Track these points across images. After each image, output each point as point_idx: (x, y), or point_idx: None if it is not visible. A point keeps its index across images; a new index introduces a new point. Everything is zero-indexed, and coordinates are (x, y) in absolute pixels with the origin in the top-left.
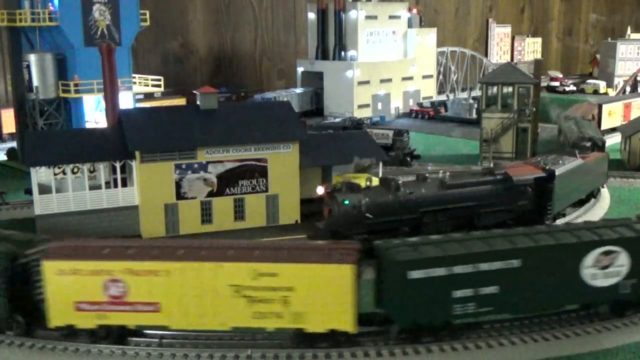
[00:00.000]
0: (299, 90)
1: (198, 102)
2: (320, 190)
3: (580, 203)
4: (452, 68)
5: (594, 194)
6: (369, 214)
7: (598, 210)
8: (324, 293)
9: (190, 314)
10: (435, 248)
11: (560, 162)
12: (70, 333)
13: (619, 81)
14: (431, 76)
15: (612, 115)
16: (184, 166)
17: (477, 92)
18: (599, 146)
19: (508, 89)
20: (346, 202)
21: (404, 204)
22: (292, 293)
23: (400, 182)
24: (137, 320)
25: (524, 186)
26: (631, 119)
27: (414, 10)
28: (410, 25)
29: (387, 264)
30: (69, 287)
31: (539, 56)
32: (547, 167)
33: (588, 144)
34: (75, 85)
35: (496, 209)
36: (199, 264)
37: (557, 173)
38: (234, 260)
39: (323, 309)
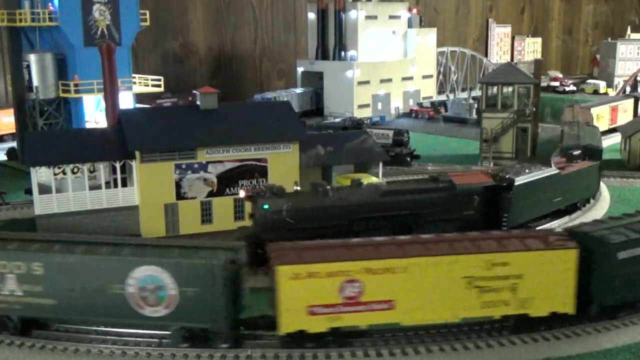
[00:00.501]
0: (299, 90)
1: (198, 102)
2: (242, 193)
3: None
4: (452, 68)
5: (579, 205)
6: (291, 219)
7: (598, 210)
8: (549, 278)
9: (424, 309)
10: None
11: (527, 171)
12: None
13: (619, 81)
14: (431, 76)
15: (601, 119)
16: (184, 166)
17: (477, 92)
18: (594, 155)
19: (508, 89)
20: (265, 206)
21: (331, 211)
22: (520, 280)
23: (328, 187)
24: (370, 320)
25: (469, 195)
26: (617, 122)
27: (414, 10)
28: (410, 25)
29: (598, 246)
30: (303, 291)
31: (539, 56)
32: (507, 176)
33: (577, 152)
34: (75, 85)
35: (437, 217)
36: (439, 258)
37: (516, 183)
38: (469, 253)
39: (546, 293)
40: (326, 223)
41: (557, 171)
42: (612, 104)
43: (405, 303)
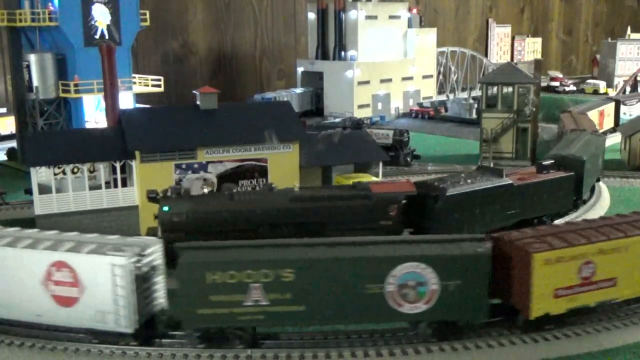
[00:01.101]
0: (299, 90)
1: (198, 102)
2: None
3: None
4: (452, 68)
5: (544, 219)
6: (192, 223)
7: (598, 210)
8: None
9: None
10: None
11: (470, 181)
12: None
13: (618, 81)
14: (431, 76)
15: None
16: (184, 166)
17: (477, 92)
18: (574, 166)
19: (508, 89)
20: (165, 208)
21: (235, 215)
22: None
23: (235, 190)
24: (597, 298)
25: (387, 204)
26: (604, 127)
27: (414, 10)
28: (410, 25)
29: None
30: (551, 276)
31: (539, 56)
32: (441, 186)
33: (548, 162)
34: (75, 85)
35: (350, 227)
36: None
37: (448, 193)
38: None
39: None
40: (229, 227)
41: (509, 182)
42: (600, 109)
43: (625, 279)
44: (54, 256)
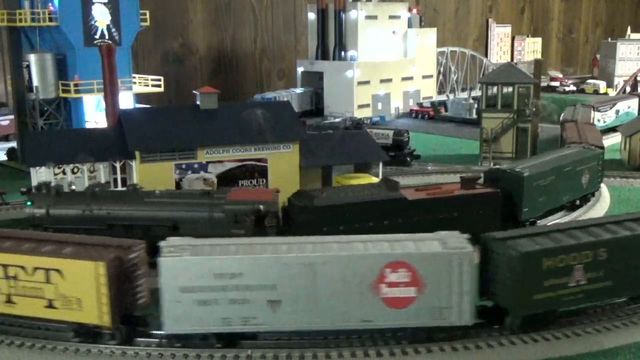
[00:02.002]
0: (299, 90)
1: (198, 102)
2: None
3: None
4: (452, 68)
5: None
6: (52, 218)
7: (598, 210)
8: None
9: None
10: None
11: (353, 193)
12: None
13: (619, 81)
14: (431, 76)
15: None
16: (184, 166)
17: (477, 92)
18: (513, 182)
19: (508, 89)
20: (28, 203)
21: (88, 214)
22: None
23: (97, 189)
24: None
25: (239, 214)
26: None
27: (414, 10)
28: (410, 25)
29: None
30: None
31: (539, 56)
32: (313, 196)
33: (472, 176)
34: (75, 85)
35: (200, 234)
36: None
37: (315, 204)
38: None
39: None
40: (84, 225)
41: (400, 197)
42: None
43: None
44: (389, 258)
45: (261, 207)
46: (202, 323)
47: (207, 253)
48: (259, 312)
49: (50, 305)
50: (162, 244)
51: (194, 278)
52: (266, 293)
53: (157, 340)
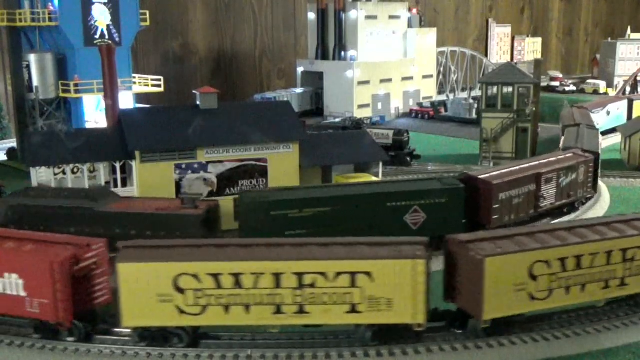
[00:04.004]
0: (299, 90)
1: (198, 102)
2: None
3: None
4: (452, 68)
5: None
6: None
7: (598, 210)
8: None
9: None
10: None
11: (53, 197)
12: None
13: (619, 81)
14: (431, 76)
15: None
16: (184, 166)
17: (477, 92)
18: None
19: (508, 89)
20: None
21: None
22: None
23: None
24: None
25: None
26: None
27: (414, 10)
28: (410, 25)
29: None
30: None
31: (539, 56)
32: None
33: (189, 195)
34: (75, 85)
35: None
36: None
37: (10, 203)
38: None
39: None
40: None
41: (88, 206)
42: None
43: None
44: None
45: None
46: None
47: None
48: None
49: (354, 310)
50: None
51: None
52: None
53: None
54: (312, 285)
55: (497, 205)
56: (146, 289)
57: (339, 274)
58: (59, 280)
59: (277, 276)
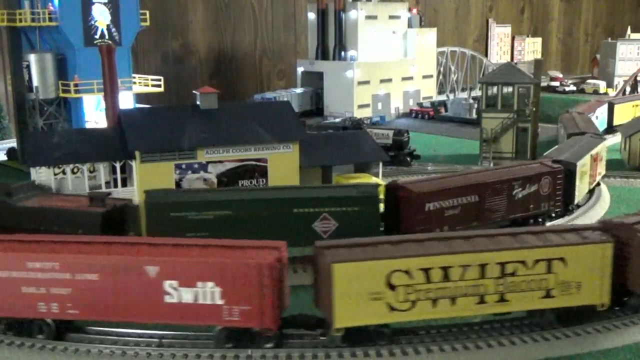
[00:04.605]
0: (299, 90)
1: (198, 102)
2: None
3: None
4: (452, 68)
5: None
6: None
7: (598, 211)
8: None
9: None
10: None
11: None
12: None
13: (619, 81)
14: (431, 76)
15: None
16: (184, 166)
17: (477, 92)
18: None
19: (508, 89)
20: None
21: None
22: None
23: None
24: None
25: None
26: None
27: (414, 10)
28: (410, 25)
29: None
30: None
31: (539, 56)
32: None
33: (98, 193)
34: (75, 85)
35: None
36: None
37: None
38: None
39: None
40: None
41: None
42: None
43: None
44: None
45: None
46: None
47: None
48: None
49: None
50: None
51: None
52: None
53: None
54: (512, 274)
55: (422, 216)
56: (359, 288)
57: (537, 261)
58: (266, 285)
59: (482, 267)
